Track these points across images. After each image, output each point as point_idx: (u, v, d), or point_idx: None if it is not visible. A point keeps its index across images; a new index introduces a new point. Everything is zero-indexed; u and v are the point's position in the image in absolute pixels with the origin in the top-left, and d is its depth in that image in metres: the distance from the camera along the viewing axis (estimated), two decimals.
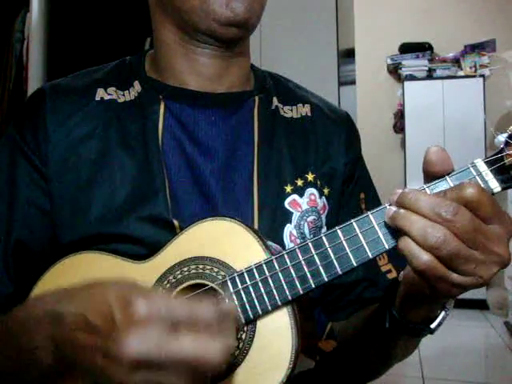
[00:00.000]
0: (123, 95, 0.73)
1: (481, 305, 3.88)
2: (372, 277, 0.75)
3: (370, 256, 0.52)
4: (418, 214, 0.48)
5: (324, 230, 0.74)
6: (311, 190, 0.72)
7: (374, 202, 0.81)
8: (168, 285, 0.58)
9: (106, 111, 0.71)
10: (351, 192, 0.78)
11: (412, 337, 0.61)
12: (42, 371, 0.49)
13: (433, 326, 0.59)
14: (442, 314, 0.59)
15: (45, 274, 0.64)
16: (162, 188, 0.66)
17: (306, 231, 0.70)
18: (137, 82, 0.74)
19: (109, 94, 0.72)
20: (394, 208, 0.50)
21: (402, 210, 0.49)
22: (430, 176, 0.52)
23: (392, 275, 0.75)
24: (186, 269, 0.58)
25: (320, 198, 0.73)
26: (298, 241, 0.69)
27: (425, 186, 0.52)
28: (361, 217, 0.53)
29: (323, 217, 0.73)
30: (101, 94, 0.72)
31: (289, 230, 0.69)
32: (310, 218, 0.71)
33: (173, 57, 0.72)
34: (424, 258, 0.47)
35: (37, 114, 0.70)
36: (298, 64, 2.36)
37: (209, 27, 0.67)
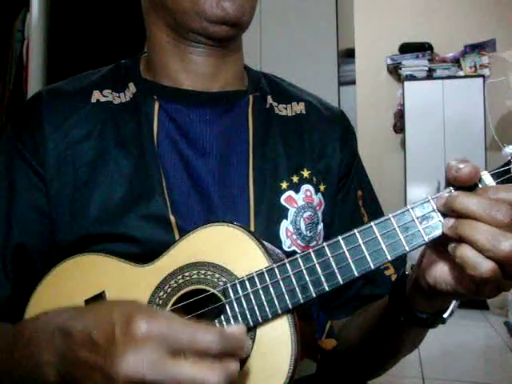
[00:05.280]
0: (119, 97, 0.73)
1: (481, 305, 3.88)
2: (370, 274, 0.74)
3: (372, 267, 0.52)
4: (476, 219, 0.46)
5: (320, 226, 0.74)
6: (307, 187, 0.73)
7: (371, 200, 0.81)
8: (169, 289, 0.58)
9: (101, 113, 0.72)
10: (348, 189, 0.78)
11: (423, 328, 0.61)
12: None
13: (445, 315, 0.58)
14: (454, 302, 0.58)
15: (47, 275, 0.64)
16: (159, 187, 0.67)
17: (303, 227, 0.70)
18: (132, 83, 0.75)
19: (104, 96, 0.73)
20: (452, 219, 0.48)
21: (463, 220, 0.47)
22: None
23: (389, 272, 0.75)
24: (187, 274, 0.58)
25: (316, 194, 0.73)
26: (295, 236, 0.70)
27: (429, 197, 0.51)
28: (364, 227, 0.52)
29: (319, 213, 0.74)
30: (97, 96, 0.73)
31: (285, 226, 0.69)
32: (306, 214, 0.71)
33: (166, 57, 0.73)
34: (489, 265, 0.45)
35: (34, 117, 0.71)
36: (298, 64, 2.36)
37: (201, 26, 0.68)
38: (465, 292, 0.50)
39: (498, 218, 0.45)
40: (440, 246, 0.52)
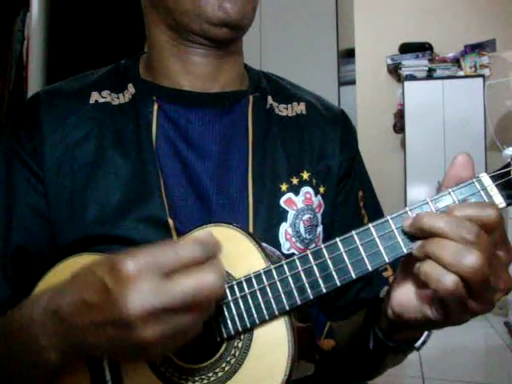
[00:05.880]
0: (117, 98, 0.73)
1: None
2: (368, 276, 0.75)
3: (370, 269, 0.52)
4: (443, 236, 0.47)
5: (320, 228, 0.74)
6: (306, 189, 0.72)
7: (372, 200, 0.81)
8: None
9: (100, 114, 0.71)
10: (349, 190, 0.78)
11: (396, 354, 0.62)
12: (49, 369, 0.51)
13: (417, 344, 0.60)
14: (426, 332, 0.59)
15: (45, 276, 0.63)
16: (157, 189, 0.67)
17: (302, 230, 0.70)
18: (131, 84, 0.74)
19: (103, 97, 0.73)
20: (419, 241, 0.49)
21: (430, 238, 0.48)
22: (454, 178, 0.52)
23: (388, 273, 0.75)
24: None
25: (315, 196, 0.73)
26: (294, 239, 0.69)
27: (428, 200, 0.51)
28: (362, 229, 0.52)
29: (319, 215, 0.73)
30: (95, 97, 0.73)
31: (284, 228, 0.69)
32: (306, 217, 0.71)
33: (166, 58, 0.73)
34: (452, 278, 0.46)
35: (32, 118, 0.70)
36: (298, 64, 2.36)
37: (201, 28, 0.68)
38: (432, 316, 0.51)
39: (464, 235, 0.46)
40: (406, 273, 0.54)
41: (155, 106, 0.72)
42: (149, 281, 0.43)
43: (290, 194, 0.71)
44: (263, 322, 0.54)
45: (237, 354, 0.55)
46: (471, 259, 0.45)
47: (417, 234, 0.49)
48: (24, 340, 0.52)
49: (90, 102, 0.72)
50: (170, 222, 0.65)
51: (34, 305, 0.52)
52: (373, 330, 0.62)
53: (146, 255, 0.45)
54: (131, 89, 0.74)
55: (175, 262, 0.45)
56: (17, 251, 0.68)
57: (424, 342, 0.59)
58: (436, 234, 0.47)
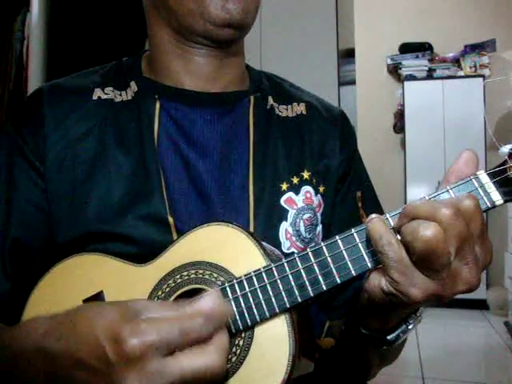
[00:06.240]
0: (120, 95, 0.73)
1: (481, 305, 3.88)
2: (364, 275, 0.75)
3: (369, 266, 0.52)
4: (415, 217, 0.48)
5: (320, 227, 0.74)
6: (307, 188, 0.73)
7: (371, 200, 0.81)
8: (168, 289, 0.59)
9: (102, 110, 0.71)
10: (347, 190, 0.78)
11: (372, 347, 0.62)
12: None
13: (389, 337, 0.59)
14: (403, 327, 0.59)
15: (46, 275, 0.64)
16: (158, 187, 0.67)
17: (302, 229, 0.70)
18: (133, 82, 0.75)
19: (106, 94, 0.73)
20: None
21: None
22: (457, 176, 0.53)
23: None
24: (185, 273, 0.58)
25: (316, 195, 0.73)
26: (294, 238, 0.70)
27: (426, 197, 0.51)
28: (361, 227, 0.53)
29: (319, 214, 0.74)
30: (98, 93, 0.73)
31: (284, 227, 0.69)
32: (306, 216, 0.71)
33: (168, 57, 0.73)
34: (392, 238, 0.48)
35: (35, 113, 0.70)
36: (298, 64, 2.36)
37: (204, 29, 0.68)
38: (386, 288, 0.51)
39: (432, 214, 0.46)
40: None
41: (157, 105, 0.72)
42: (151, 362, 0.42)
43: (291, 194, 0.71)
44: (264, 319, 0.54)
45: (238, 351, 0.55)
46: (429, 230, 0.45)
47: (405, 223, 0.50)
48: (11, 367, 0.51)
49: (93, 98, 0.72)
50: (171, 220, 0.65)
51: (24, 335, 0.50)
52: (351, 318, 0.63)
53: (153, 333, 0.43)
54: (133, 86, 0.74)
55: (180, 342, 0.44)
56: (15, 244, 0.68)
57: (398, 337, 0.59)
58: (414, 217, 0.48)
